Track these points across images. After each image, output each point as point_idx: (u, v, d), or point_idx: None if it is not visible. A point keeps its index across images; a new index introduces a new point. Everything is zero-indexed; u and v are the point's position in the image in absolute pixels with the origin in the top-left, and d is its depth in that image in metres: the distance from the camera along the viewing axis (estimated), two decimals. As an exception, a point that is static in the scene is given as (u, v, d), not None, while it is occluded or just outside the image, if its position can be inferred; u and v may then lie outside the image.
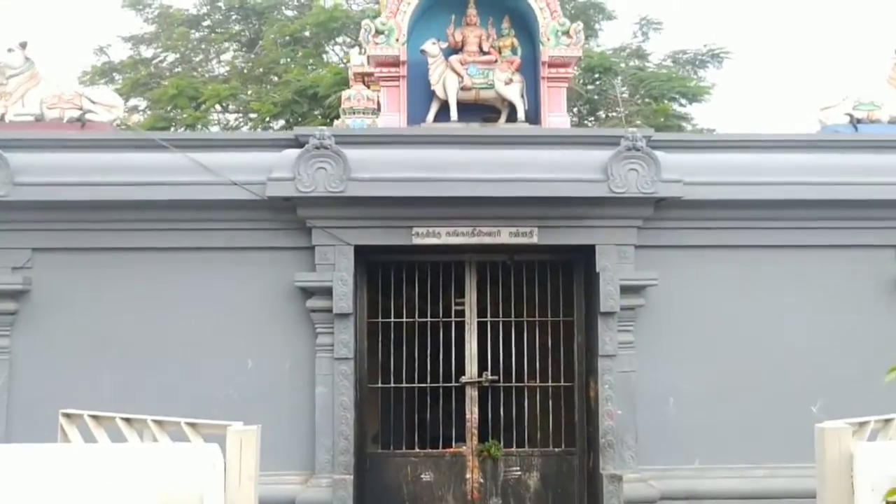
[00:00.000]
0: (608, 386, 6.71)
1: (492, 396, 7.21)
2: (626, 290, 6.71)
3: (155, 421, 3.74)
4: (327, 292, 6.62)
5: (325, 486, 6.56)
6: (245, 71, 19.79)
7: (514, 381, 7.26)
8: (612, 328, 6.72)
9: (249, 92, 18.43)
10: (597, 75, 16.70)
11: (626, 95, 17.83)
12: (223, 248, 6.84)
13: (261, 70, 19.47)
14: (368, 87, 12.17)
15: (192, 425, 3.67)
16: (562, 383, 7.23)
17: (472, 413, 7.11)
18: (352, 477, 6.55)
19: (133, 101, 19.54)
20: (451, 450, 7.13)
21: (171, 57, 20.39)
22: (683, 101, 17.30)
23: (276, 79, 18.52)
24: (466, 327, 7.18)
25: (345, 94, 12.29)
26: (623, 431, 6.72)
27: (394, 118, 7.29)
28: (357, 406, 6.85)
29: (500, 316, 7.25)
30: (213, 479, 3.00)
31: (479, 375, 7.15)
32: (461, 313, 7.24)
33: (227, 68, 20.44)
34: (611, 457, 6.66)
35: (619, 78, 17.88)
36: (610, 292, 6.65)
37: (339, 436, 6.58)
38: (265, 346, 6.81)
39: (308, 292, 6.71)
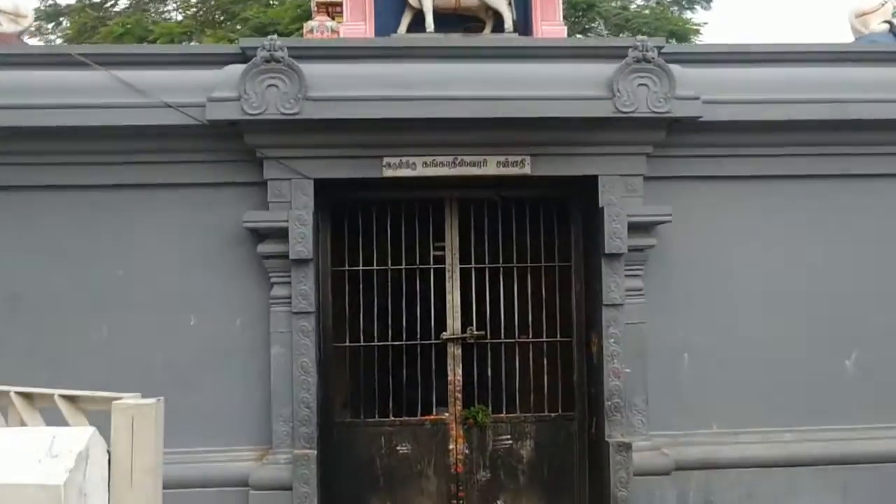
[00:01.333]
0: (614, 340, 5.73)
1: (478, 355, 6.23)
2: (634, 228, 5.71)
3: (20, 394, 2.69)
4: (282, 235, 5.56)
5: (283, 464, 5.56)
6: (202, 16, 18.41)
7: (503, 336, 6.28)
8: (618, 273, 5.73)
9: (207, 35, 17.09)
10: (580, 13, 15.57)
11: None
12: (157, 185, 5.75)
13: (219, 14, 18.11)
14: (333, 19, 10.97)
15: (70, 399, 2.62)
16: (558, 338, 6.25)
17: (455, 374, 6.13)
18: (315, 451, 5.55)
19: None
20: (432, 417, 6.16)
21: (124, 2, 18.97)
22: (672, 41, 16.22)
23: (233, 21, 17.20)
24: (447, 275, 6.16)
25: (306, 25, 11.06)
26: (631, 392, 5.77)
27: (359, 28, 6.20)
28: (321, 369, 5.83)
29: (487, 262, 6.24)
30: (82, 482, 1.97)
31: (463, 331, 6.16)
32: (441, 259, 6.22)
33: (183, 15, 19.03)
34: (617, 422, 5.70)
35: (603, 20, 16.86)
36: (616, 230, 5.65)
37: (299, 404, 5.56)
38: (210, 299, 5.75)
39: (260, 235, 5.65)
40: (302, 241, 5.52)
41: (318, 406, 5.67)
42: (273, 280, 5.66)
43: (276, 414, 5.60)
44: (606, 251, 5.66)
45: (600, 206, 5.70)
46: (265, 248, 5.63)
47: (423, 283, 6.21)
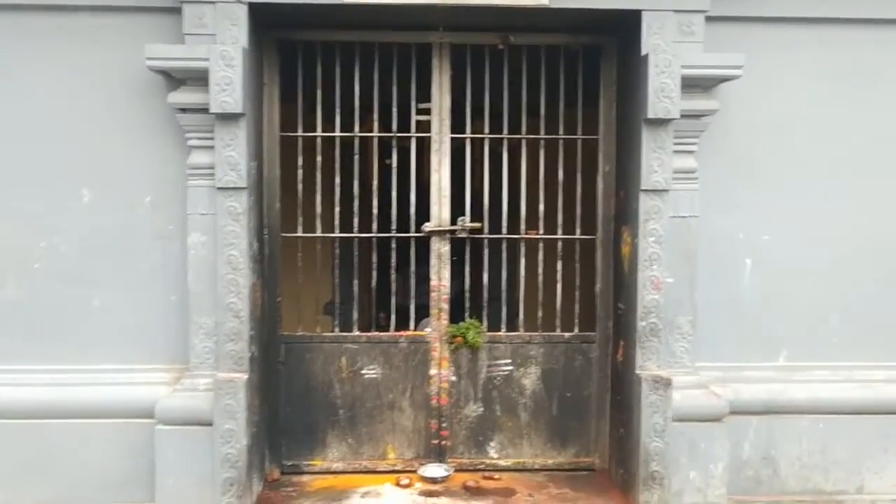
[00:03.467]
0: (654, 239, 4.21)
1: (471, 255, 4.75)
2: (689, 84, 4.13)
3: None
4: (202, 79, 4.02)
5: (202, 391, 4.16)
6: None
7: (504, 231, 4.77)
8: (663, 147, 4.16)
9: None
10: None
11: None
12: (38, 7, 4.20)
13: None
14: None
15: None
16: (577, 235, 4.74)
17: (440, 279, 4.66)
18: (247, 375, 4.13)
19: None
20: (408, 333, 4.72)
21: None
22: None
23: None
24: (434, 148, 4.63)
25: None
26: (674, 310, 4.28)
27: None
28: (262, 267, 4.38)
29: (486, 132, 4.68)
30: None
31: (453, 222, 4.66)
32: (426, 126, 4.68)
33: None
34: (654, 349, 4.23)
35: None
36: (664, 86, 4.06)
37: (225, 311, 4.12)
38: (109, 168, 4.27)
39: (173, 80, 4.12)
40: (228, 89, 3.97)
41: (255, 316, 4.23)
42: (191, 143, 4.15)
43: (193, 324, 4.17)
44: (650, 115, 4.07)
45: (643, 53, 4.11)
46: (179, 97, 4.10)
47: (402, 157, 4.69)
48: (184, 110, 4.12)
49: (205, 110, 4.05)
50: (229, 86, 3.96)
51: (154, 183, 4.27)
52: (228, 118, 4.03)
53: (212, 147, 4.09)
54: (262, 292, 4.44)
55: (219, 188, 4.08)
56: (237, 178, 4.06)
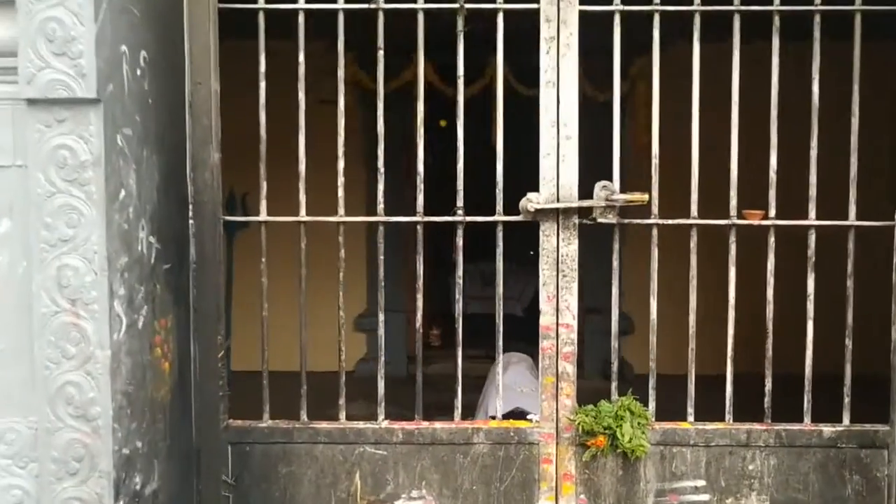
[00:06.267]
0: None
1: (620, 255, 2.26)
2: None
3: None
4: None
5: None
6: None
7: (694, 212, 2.26)
8: None
9: None
10: None
11: None
12: None
13: None
14: None
15: None
16: (853, 221, 2.22)
17: (558, 307, 2.25)
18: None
19: None
20: (492, 425, 2.31)
21: None
22: None
23: None
24: (544, 33, 2.17)
25: None
26: None
27: None
28: (167, 288, 1.98)
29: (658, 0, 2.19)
30: None
31: (583, 194, 2.18)
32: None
33: None
34: None
35: None
36: None
37: (55, 404, 1.70)
38: None
39: None
40: None
41: (146, 403, 1.84)
42: None
43: None
44: None
45: None
46: None
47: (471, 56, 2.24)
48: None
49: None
50: None
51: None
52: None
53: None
54: (175, 346, 2.03)
55: (30, 101, 1.67)
56: (77, 77, 1.65)
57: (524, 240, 3.02)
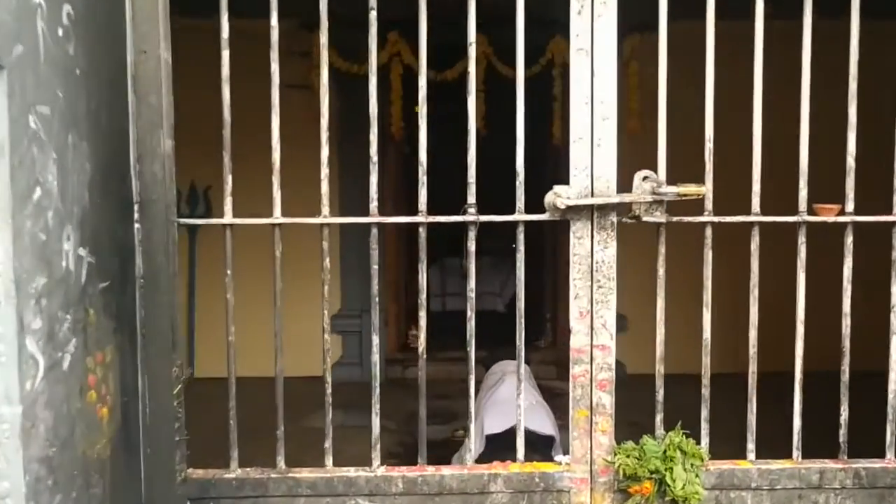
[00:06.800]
0: None
1: (665, 262, 1.85)
2: None
3: None
4: None
5: None
6: None
7: (755, 209, 1.86)
8: None
9: None
10: None
11: None
12: None
13: None
14: None
15: None
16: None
17: (593, 327, 1.84)
18: None
19: None
20: (512, 468, 1.87)
21: None
22: None
23: None
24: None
25: None
26: None
27: None
28: (107, 309, 1.54)
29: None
30: None
31: (622, 188, 1.77)
32: None
33: None
34: None
35: None
36: None
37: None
38: None
39: None
40: None
41: (73, 462, 1.38)
42: None
43: None
44: None
45: None
46: None
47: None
48: None
49: None
50: None
51: None
52: None
53: None
54: (116, 386, 1.59)
55: None
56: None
57: (503, 231, 2.64)
